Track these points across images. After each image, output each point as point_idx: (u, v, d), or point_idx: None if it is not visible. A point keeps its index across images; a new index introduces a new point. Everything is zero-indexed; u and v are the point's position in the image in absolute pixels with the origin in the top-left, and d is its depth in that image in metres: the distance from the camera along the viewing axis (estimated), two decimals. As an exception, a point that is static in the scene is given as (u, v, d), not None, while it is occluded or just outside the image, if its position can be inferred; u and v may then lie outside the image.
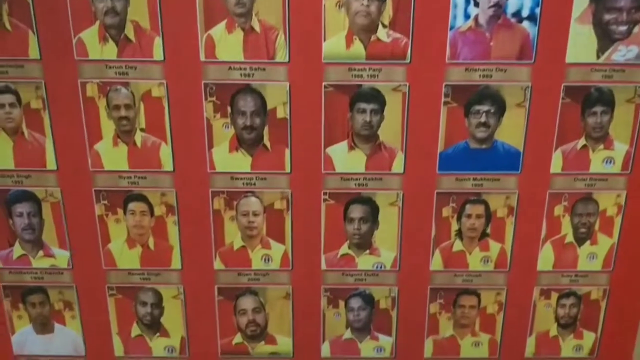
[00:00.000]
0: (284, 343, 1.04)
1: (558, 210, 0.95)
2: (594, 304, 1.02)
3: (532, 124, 0.90)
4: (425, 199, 0.95)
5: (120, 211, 0.95)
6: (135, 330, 1.03)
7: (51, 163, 0.93)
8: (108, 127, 0.91)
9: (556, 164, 0.92)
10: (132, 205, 0.95)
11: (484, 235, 0.97)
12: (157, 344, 1.04)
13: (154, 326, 1.03)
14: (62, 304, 1.01)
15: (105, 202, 0.95)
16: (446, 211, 0.95)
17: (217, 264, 0.99)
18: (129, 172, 0.93)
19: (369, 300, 1.02)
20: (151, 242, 0.97)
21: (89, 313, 1.02)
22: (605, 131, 0.90)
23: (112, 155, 0.92)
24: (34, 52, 0.87)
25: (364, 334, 1.04)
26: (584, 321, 1.03)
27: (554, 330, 1.03)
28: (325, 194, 0.95)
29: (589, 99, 0.88)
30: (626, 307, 1.02)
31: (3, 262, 0.98)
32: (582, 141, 0.91)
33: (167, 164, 0.93)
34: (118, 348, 1.04)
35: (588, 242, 0.97)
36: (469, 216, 0.96)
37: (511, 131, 0.90)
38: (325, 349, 1.05)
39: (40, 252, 0.98)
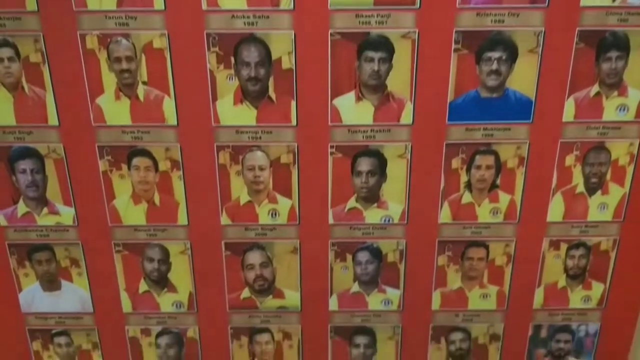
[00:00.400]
0: (292, 297, 1.04)
1: (569, 160, 0.94)
2: (604, 255, 1.01)
3: (544, 70, 0.87)
4: (434, 150, 0.93)
5: (124, 167, 0.94)
6: (142, 286, 1.03)
7: (53, 119, 0.91)
8: (109, 80, 0.88)
9: (568, 112, 0.90)
10: (136, 161, 0.94)
11: (493, 186, 0.96)
12: (165, 300, 1.04)
13: (162, 282, 1.03)
14: (69, 261, 1.01)
15: (109, 157, 0.93)
16: (455, 162, 0.94)
17: (224, 219, 0.98)
18: (132, 126, 0.91)
19: (377, 254, 1.01)
20: (157, 198, 0.96)
21: (96, 270, 1.02)
22: (620, 77, 0.88)
23: (114, 110, 0.90)
24: (31, 3, 0.84)
25: (371, 287, 1.04)
26: (593, 272, 1.02)
27: (562, 282, 1.03)
28: (332, 147, 0.93)
29: (603, 43, 0.86)
30: (636, 258, 1.01)
31: (8, 220, 0.97)
32: (595, 88, 0.89)
33: (171, 118, 0.91)
34: (126, 304, 1.04)
35: (599, 192, 0.96)
36: (479, 167, 0.94)
37: (523, 79, 0.88)
38: (333, 303, 1.05)
39: (45, 210, 0.97)
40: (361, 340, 1.08)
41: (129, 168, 0.94)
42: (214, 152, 0.93)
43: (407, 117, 0.90)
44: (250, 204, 0.97)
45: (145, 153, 0.93)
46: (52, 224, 0.98)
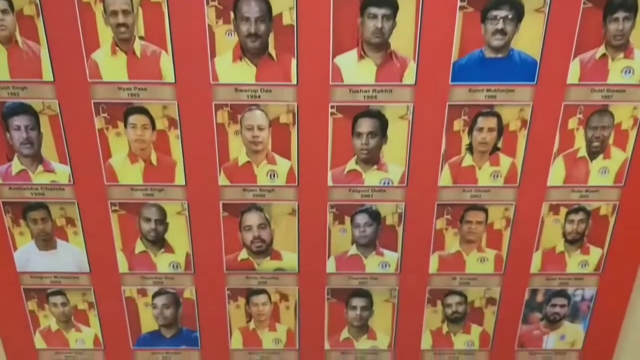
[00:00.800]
0: (289, 259, 1.04)
1: (572, 123, 0.93)
2: (603, 220, 1.01)
3: (550, 31, 0.86)
4: (437, 111, 0.92)
5: (120, 124, 0.92)
6: (139, 246, 1.02)
7: (47, 74, 0.88)
8: (106, 34, 0.86)
9: (573, 74, 0.89)
10: (132, 119, 0.92)
11: (494, 149, 0.95)
12: (162, 260, 1.03)
13: (158, 242, 1.02)
14: (64, 220, 1.00)
15: (105, 115, 0.92)
16: (457, 124, 0.93)
17: (222, 180, 0.97)
18: (129, 83, 0.89)
19: (375, 217, 1.01)
20: (153, 157, 0.95)
21: (92, 229, 1.01)
22: (626, 39, 0.86)
23: (110, 65, 0.88)
24: (22, -48, 0.81)
25: (369, 250, 1.04)
26: (592, 237, 1.02)
27: (560, 246, 1.03)
28: (332, 107, 0.91)
29: (611, 3, 0.84)
30: (635, 223, 1.01)
31: (2, 178, 0.96)
32: (601, 50, 0.87)
33: (168, 75, 0.89)
34: (122, 264, 1.04)
35: (601, 156, 0.95)
36: (481, 130, 0.93)
37: (528, 39, 0.86)
38: (331, 265, 1.04)
39: (40, 167, 0.95)
40: (358, 302, 1.08)
41: (125, 126, 0.93)
42: (212, 111, 0.91)
43: (409, 77, 0.89)
44: (248, 165, 0.96)
45: (142, 111, 0.91)
46: (47, 182, 0.96)
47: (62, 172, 0.95)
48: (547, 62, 0.88)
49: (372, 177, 0.97)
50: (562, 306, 1.08)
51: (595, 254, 1.04)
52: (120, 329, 1.09)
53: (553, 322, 1.10)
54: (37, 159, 0.94)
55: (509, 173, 0.96)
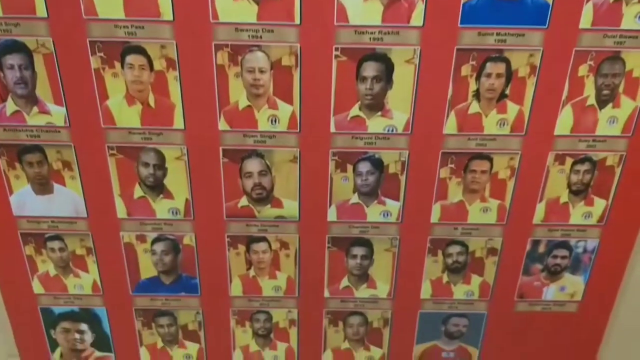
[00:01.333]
0: (290, 207, 1.02)
1: (583, 70, 0.90)
2: (609, 171, 0.99)
3: (565, -29, 0.82)
4: (444, 56, 0.89)
5: (117, 64, 0.89)
6: (137, 191, 1.00)
7: (41, 9, 0.85)
8: (100, -33, 0.82)
9: (586, 18, 0.86)
10: (129, 58, 0.89)
11: (502, 96, 0.92)
12: (161, 206, 1.02)
13: (157, 188, 1.00)
14: (61, 164, 0.98)
15: (101, 54, 0.88)
16: (465, 70, 0.90)
17: (222, 125, 0.94)
18: (126, 20, 0.86)
19: (378, 165, 0.99)
20: (151, 99, 0.92)
21: (89, 174, 0.99)
22: (643, -19, 0.83)
23: (106, 1, 0.84)
24: None
25: (371, 198, 1.02)
26: (596, 188, 1.01)
27: (564, 197, 1.02)
28: (337, 49, 0.88)
29: (630, -57, 0.80)
30: (640, 175, 1.00)
31: (-4, 119, 0.94)
32: (616, -8, 0.84)
33: (167, 12, 0.85)
34: (120, 210, 1.02)
35: (610, 104, 0.93)
36: (489, 75, 0.90)
37: (542, -21, 0.83)
38: (332, 213, 1.03)
39: (35, 109, 0.92)
40: (358, 251, 1.07)
41: (122, 66, 0.90)
42: (212, 52, 0.88)
43: (417, 18, 0.85)
44: (249, 109, 0.93)
45: (139, 50, 0.88)
46: (42, 124, 0.94)
47: (58, 114, 0.93)
48: (559, 5, 0.85)
49: (376, 124, 0.95)
50: (563, 257, 1.08)
51: (600, 205, 1.03)
52: (119, 275, 1.09)
53: (554, 274, 1.09)
54: (31, 99, 0.92)
55: (516, 121, 0.94)
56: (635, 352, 1.23)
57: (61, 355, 1.19)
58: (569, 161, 0.98)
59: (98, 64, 0.89)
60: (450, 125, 0.95)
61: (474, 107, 0.93)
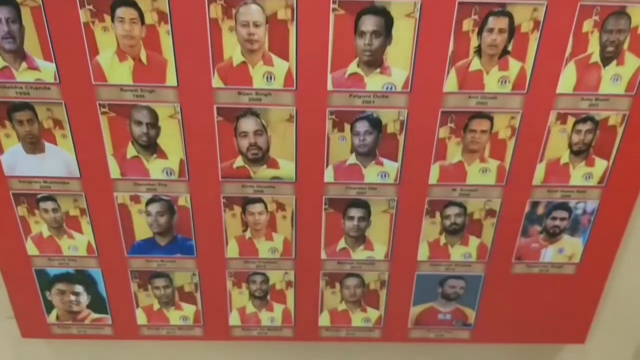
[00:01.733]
0: (287, 167, 1.01)
1: (587, 25, 0.88)
2: (611, 130, 0.98)
3: None
4: (446, 9, 0.86)
5: (107, 18, 0.86)
6: (130, 151, 0.98)
7: (26, -41, 0.82)
8: None
9: (593, -30, 0.83)
10: (120, 12, 0.86)
11: (504, 52, 0.90)
12: (155, 166, 1.00)
13: (151, 147, 0.98)
14: (52, 122, 0.95)
15: (90, 7, 0.86)
16: (467, 24, 0.87)
17: (216, 82, 0.92)
18: (115, -29, 0.83)
19: (376, 124, 0.97)
20: (143, 55, 0.89)
21: (81, 132, 0.96)
22: None
23: (94, -49, 0.81)
24: None
25: (368, 159, 1.01)
26: (598, 148, 0.99)
27: (565, 158, 1.00)
28: (334, 2, 0.86)
29: None
30: (643, 135, 0.98)
31: (-17, 74, 0.91)
32: (625, -58, 0.81)
33: (158, -37, 0.82)
34: (114, 170, 1.00)
35: (614, 62, 0.91)
36: (491, 30, 0.88)
37: None
38: (329, 174, 1.02)
39: (24, 64, 0.90)
40: (355, 212, 1.06)
41: (112, 20, 0.87)
42: (205, 4, 0.85)
43: (418, -30, 0.82)
44: (243, 65, 0.91)
45: (130, 3, 0.85)
46: (32, 81, 0.91)
47: (47, 70, 0.90)
48: (566, -45, 0.82)
49: (374, 82, 0.93)
50: (562, 219, 1.06)
51: (600, 166, 1.01)
52: (113, 237, 1.08)
53: (552, 235, 1.08)
54: (20, 55, 0.89)
55: (518, 79, 0.92)
56: (632, 315, 1.23)
57: (57, 317, 1.18)
58: (570, 120, 0.97)
59: (87, 17, 0.86)
60: (450, 82, 0.92)
61: (475, 64, 0.91)
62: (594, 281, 1.15)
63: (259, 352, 1.27)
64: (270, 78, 0.92)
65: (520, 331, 1.21)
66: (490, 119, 0.96)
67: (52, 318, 1.18)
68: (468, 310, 1.18)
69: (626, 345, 1.29)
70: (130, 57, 0.89)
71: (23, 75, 0.91)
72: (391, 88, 0.93)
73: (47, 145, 0.97)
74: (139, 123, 0.95)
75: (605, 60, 0.91)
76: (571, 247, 1.10)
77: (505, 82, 0.92)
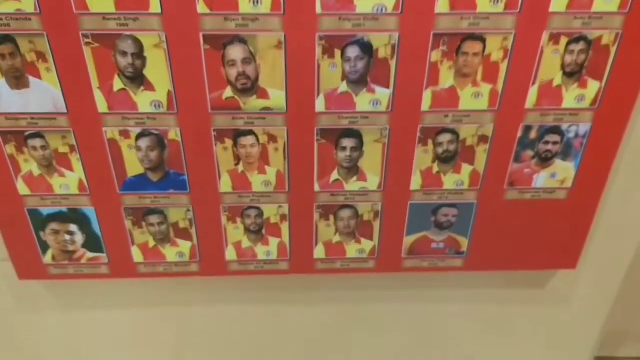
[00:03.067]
0: (277, 97, 0.99)
1: (581, -62, 0.85)
2: (604, 50, 0.96)
3: None
4: None
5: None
6: (117, 84, 0.97)
7: None
8: None
9: None
10: None
11: (496, -31, 0.88)
12: (143, 99, 0.98)
13: (138, 79, 0.96)
14: (35, 55, 0.93)
15: None
16: (458, -61, 0.85)
17: (201, 8, 0.90)
18: None
19: (367, 49, 0.95)
20: (125, -19, 0.87)
21: (65, 65, 0.94)
22: None
23: None
24: None
25: (360, 86, 0.99)
26: (591, 69, 0.98)
27: (558, 79, 0.99)
28: None
29: None
30: (635, 55, 0.97)
31: (-40, 6, 0.88)
32: None
33: None
34: (101, 104, 0.99)
35: (608, -23, 0.89)
36: (483, -55, 0.85)
37: None
38: (320, 104, 1.00)
39: (1, -5, 0.87)
40: (348, 143, 1.06)
41: (91, -57, 0.83)
42: None
43: None
44: (230, -10, 0.88)
45: None
46: (12, 12, 0.89)
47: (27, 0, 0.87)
48: None
49: (364, 3, 0.90)
50: (554, 143, 1.06)
51: (593, 87, 1.00)
52: (105, 173, 1.07)
53: (545, 160, 1.08)
54: (-4, -16, 0.86)
55: (510, -3, 0.90)
56: (622, 240, 1.25)
57: (53, 258, 1.18)
58: (563, 41, 0.95)
59: (65, -60, 0.83)
60: (442, 3, 0.90)
61: (467, -17, 0.89)
62: (585, 206, 1.16)
63: (256, 285, 1.28)
64: (257, 2, 0.90)
65: (513, 258, 1.23)
66: (483, 40, 0.95)
67: (48, 259, 1.18)
68: (461, 239, 1.19)
69: (616, 270, 1.31)
70: (112, -18, 0.87)
71: (3, 6, 0.88)
72: (382, 10, 0.91)
73: (32, 79, 0.95)
74: (124, 54, 0.93)
75: (599, -25, 0.89)
76: (563, 171, 1.10)
77: (498, 1, 0.90)
